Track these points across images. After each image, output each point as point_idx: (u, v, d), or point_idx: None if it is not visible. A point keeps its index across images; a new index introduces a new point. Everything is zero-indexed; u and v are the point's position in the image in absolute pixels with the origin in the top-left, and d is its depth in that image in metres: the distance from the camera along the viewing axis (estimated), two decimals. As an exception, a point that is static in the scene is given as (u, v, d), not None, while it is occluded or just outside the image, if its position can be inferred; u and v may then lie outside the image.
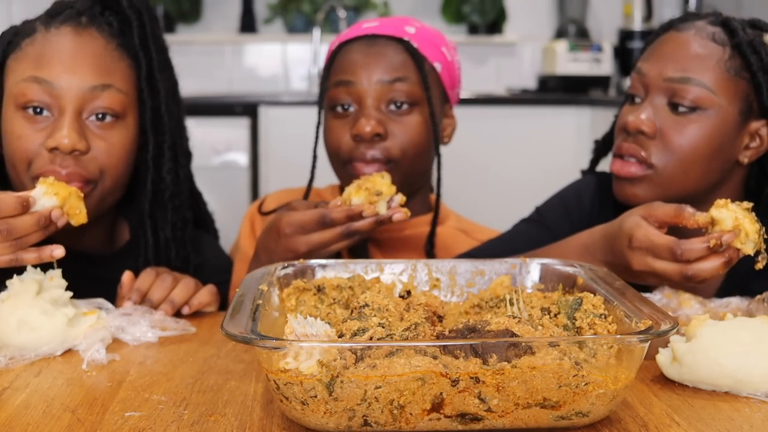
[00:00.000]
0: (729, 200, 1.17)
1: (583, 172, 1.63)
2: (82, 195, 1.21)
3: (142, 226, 1.43)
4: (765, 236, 1.15)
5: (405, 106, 1.49)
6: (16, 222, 1.11)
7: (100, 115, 1.33)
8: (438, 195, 1.57)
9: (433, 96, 1.50)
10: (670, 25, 1.42)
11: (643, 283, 1.21)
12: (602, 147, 1.59)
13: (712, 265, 1.14)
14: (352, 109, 1.50)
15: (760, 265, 1.16)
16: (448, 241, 1.57)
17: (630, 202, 1.36)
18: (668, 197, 1.30)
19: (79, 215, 1.20)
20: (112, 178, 1.35)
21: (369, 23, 1.55)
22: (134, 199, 1.46)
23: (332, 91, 1.51)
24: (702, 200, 1.35)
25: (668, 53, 1.37)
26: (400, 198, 1.28)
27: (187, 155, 1.48)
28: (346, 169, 1.51)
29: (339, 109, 1.51)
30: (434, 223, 1.55)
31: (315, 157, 1.60)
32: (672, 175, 1.36)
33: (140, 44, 1.38)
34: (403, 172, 1.48)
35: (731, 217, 1.14)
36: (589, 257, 1.26)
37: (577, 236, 1.32)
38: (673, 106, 1.35)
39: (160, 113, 1.40)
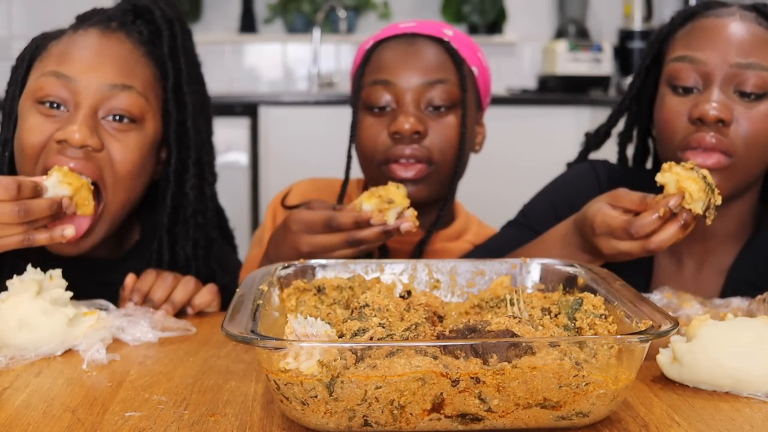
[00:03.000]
0: (673, 163, 1.18)
1: (569, 165, 1.61)
2: (92, 188, 1.23)
3: (158, 239, 1.40)
4: (711, 194, 1.15)
5: (442, 109, 1.46)
6: (32, 204, 1.13)
7: (117, 117, 1.30)
8: (441, 208, 1.51)
9: (468, 100, 1.48)
10: (695, 13, 1.40)
11: (613, 260, 1.22)
12: (594, 141, 1.57)
13: (669, 234, 1.15)
14: (388, 108, 1.46)
15: (708, 221, 1.17)
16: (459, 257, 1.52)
17: None
18: (744, 184, 1.33)
19: (86, 207, 1.22)
20: (124, 185, 1.31)
21: (406, 23, 1.53)
22: (152, 208, 1.44)
23: (368, 89, 1.48)
24: (756, 184, 1.38)
25: (726, 39, 1.33)
26: (412, 212, 1.24)
27: (213, 172, 1.45)
28: (381, 171, 1.46)
29: (376, 109, 1.47)
30: (429, 230, 1.51)
31: (350, 157, 1.54)
32: (750, 161, 1.32)
33: (169, 54, 1.37)
34: (439, 179, 1.46)
35: (673, 180, 1.15)
36: (569, 249, 1.27)
37: (555, 229, 1.32)
38: (741, 92, 1.31)
39: (185, 127, 1.38)
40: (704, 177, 1.15)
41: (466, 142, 1.48)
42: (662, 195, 1.16)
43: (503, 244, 1.46)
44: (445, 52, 1.48)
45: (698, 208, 1.14)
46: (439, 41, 1.48)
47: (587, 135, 1.59)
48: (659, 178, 1.17)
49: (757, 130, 1.31)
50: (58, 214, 1.16)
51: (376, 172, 1.48)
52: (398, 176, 1.43)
